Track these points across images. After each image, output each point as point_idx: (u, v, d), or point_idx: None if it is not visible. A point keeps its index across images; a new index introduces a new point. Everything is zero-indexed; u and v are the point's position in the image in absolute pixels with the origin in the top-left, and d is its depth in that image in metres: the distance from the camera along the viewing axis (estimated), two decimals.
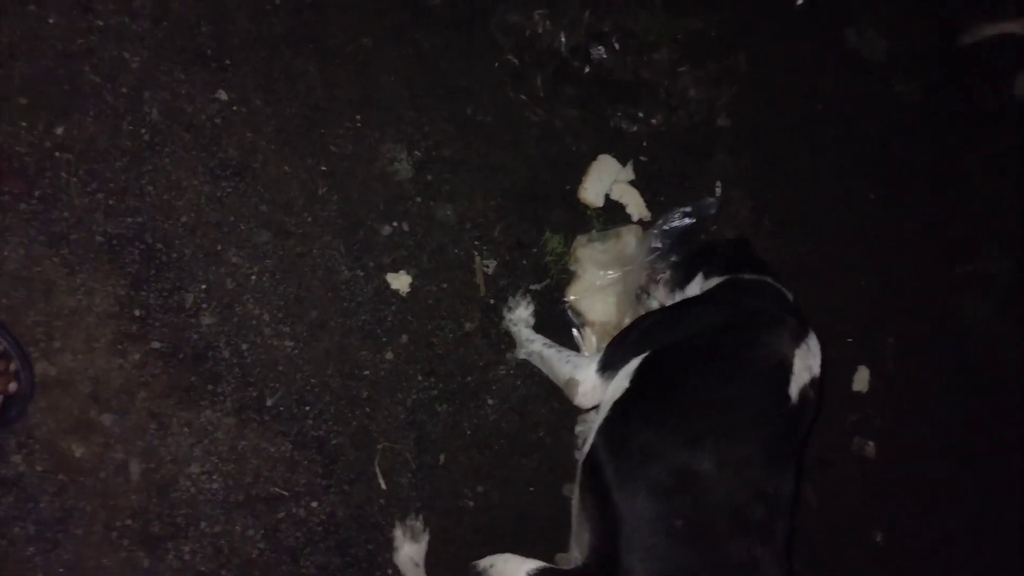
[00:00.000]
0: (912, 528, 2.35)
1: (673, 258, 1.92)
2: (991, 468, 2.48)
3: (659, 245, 1.92)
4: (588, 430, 1.93)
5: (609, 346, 1.62)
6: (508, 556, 1.38)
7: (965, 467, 2.42)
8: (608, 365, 1.58)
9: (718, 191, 2.12)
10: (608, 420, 1.45)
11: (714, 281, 1.71)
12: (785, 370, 1.41)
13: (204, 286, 1.61)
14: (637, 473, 1.31)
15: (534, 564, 1.33)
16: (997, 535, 2.45)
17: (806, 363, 1.44)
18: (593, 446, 1.43)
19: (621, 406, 1.45)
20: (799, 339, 1.45)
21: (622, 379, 1.50)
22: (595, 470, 1.39)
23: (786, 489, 1.33)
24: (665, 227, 1.93)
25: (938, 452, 2.41)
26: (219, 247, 1.63)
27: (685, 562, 1.24)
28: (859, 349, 2.35)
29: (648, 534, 1.26)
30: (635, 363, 1.49)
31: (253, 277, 1.66)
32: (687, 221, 1.94)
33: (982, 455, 2.46)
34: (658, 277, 1.91)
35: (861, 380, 2.34)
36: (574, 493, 1.51)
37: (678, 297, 1.83)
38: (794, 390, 1.40)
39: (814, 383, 1.46)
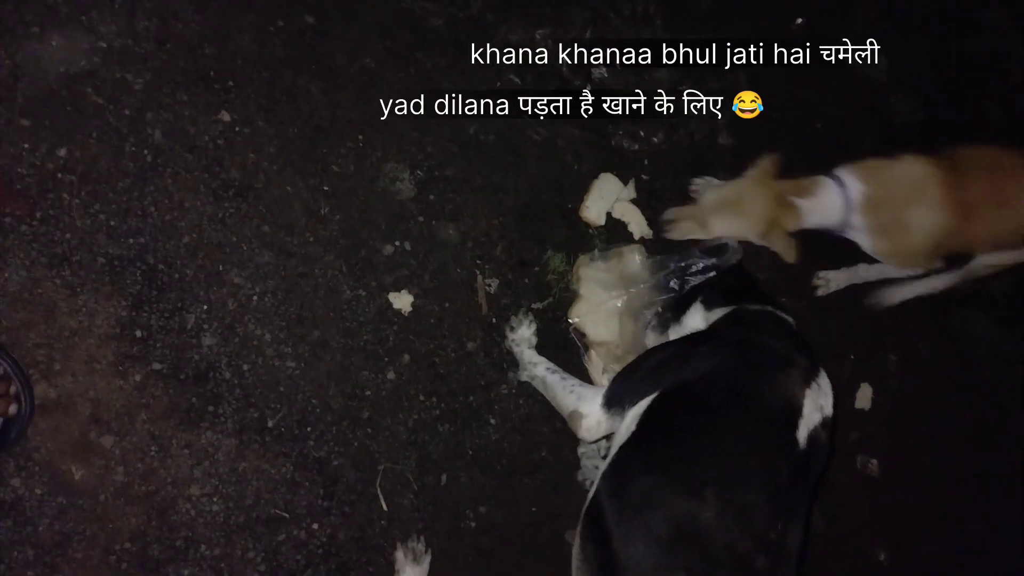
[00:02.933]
0: (916, 546, 2.33)
1: (675, 293, 1.89)
2: (995, 486, 2.46)
3: (673, 285, 1.88)
4: (593, 453, 1.93)
5: (615, 381, 1.59)
6: None
7: (969, 485, 2.41)
8: (613, 400, 1.56)
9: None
10: (613, 465, 1.42)
11: (717, 313, 1.68)
12: (794, 413, 1.37)
13: (206, 307, 1.61)
14: (638, 521, 1.28)
15: None
16: (1001, 553, 2.43)
17: (816, 403, 1.41)
18: (596, 491, 1.40)
19: (626, 451, 1.42)
20: (809, 379, 1.42)
21: (630, 422, 1.47)
22: (597, 516, 1.36)
23: (791, 538, 1.30)
24: (687, 270, 1.89)
25: (942, 470, 2.40)
26: (221, 268, 1.63)
27: None
28: (861, 366, 2.34)
29: None
30: (643, 405, 1.46)
31: (255, 297, 1.65)
32: (711, 274, 1.90)
33: (986, 473, 2.45)
34: (649, 319, 1.90)
35: (864, 398, 2.33)
36: (575, 544, 1.49)
37: (673, 331, 1.81)
38: (803, 433, 1.36)
39: (825, 424, 1.43)
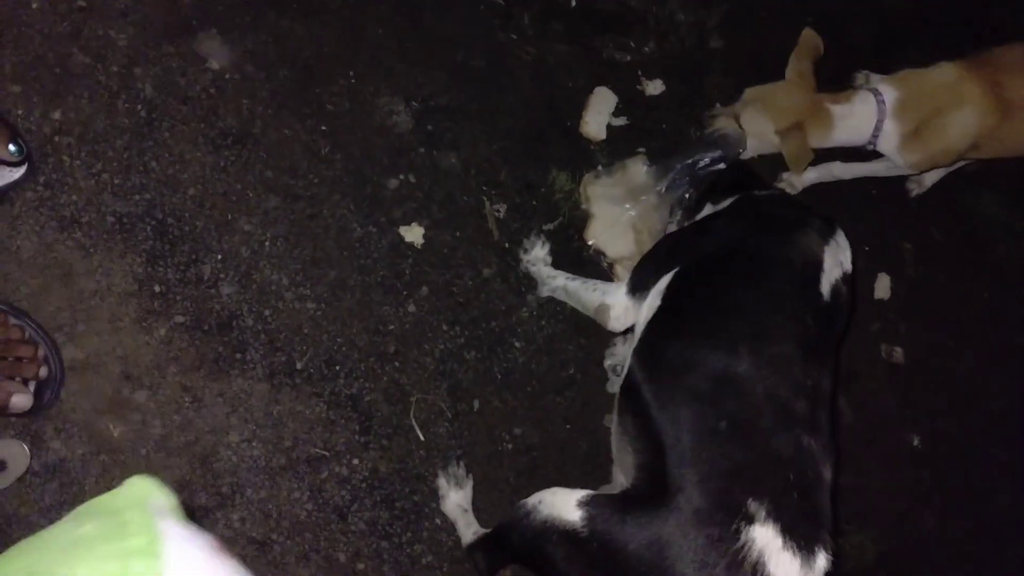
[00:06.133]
0: (948, 428, 2.35)
1: (688, 194, 1.90)
2: (1016, 362, 2.47)
3: (684, 184, 1.88)
4: (619, 362, 1.94)
5: (636, 267, 1.62)
6: (555, 490, 1.37)
7: (994, 363, 2.42)
8: (638, 286, 1.58)
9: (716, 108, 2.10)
10: (642, 340, 1.45)
11: (726, 202, 1.70)
12: (815, 268, 1.40)
13: (220, 256, 1.60)
14: (675, 385, 1.31)
15: (582, 492, 1.32)
16: None
17: (836, 259, 1.44)
18: (630, 369, 1.42)
19: (654, 324, 1.44)
20: (827, 236, 1.45)
21: (654, 298, 1.50)
22: (633, 392, 1.39)
23: (825, 383, 1.33)
24: (694, 167, 1.88)
25: (966, 351, 2.41)
26: (230, 216, 1.62)
27: (734, 461, 1.23)
28: (877, 257, 2.34)
29: (693, 441, 1.25)
30: (665, 280, 1.49)
31: (267, 243, 1.65)
32: (720, 167, 1.88)
33: (1009, 349, 2.46)
34: (666, 223, 1.90)
35: (882, 287, 2.34)
36: (613, 422, 1.51)
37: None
38: (826, 287, 1.39)
39: (846, 278, 1.45)
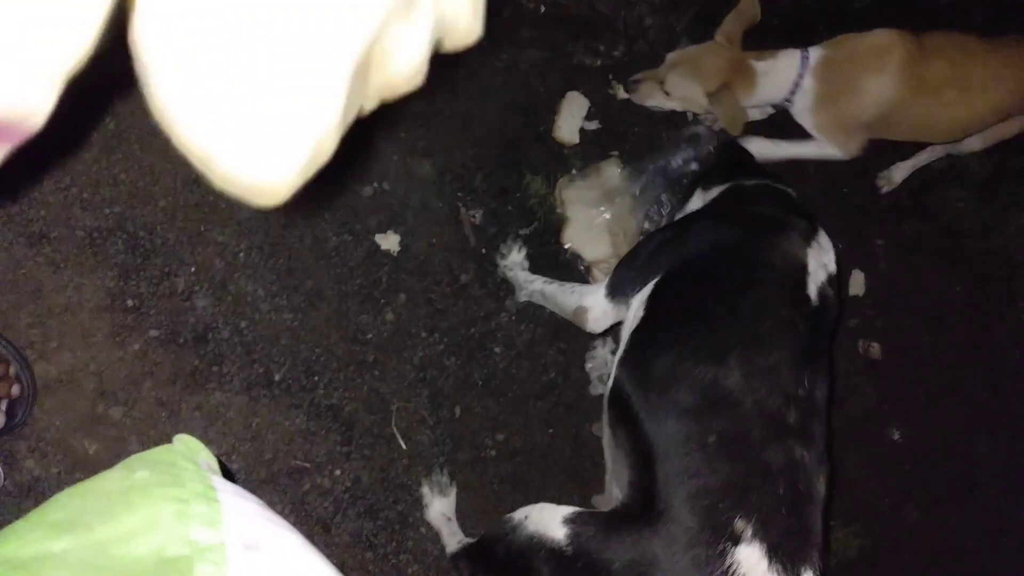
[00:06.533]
0: (928, 421, 2.37)
1: (663, 197, 1.91)
2: (992, 352, 2.51)
3: (655, 184, 1.89)
4: (600, 365, 1.94)
5: (616, 270, 1.61)
6: (542, 505, 1.35)
7: (972, 353, 2.45)
8: (617, 288, 1.57)
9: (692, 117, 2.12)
10: (628, 351, 1.43)
11: (714, 192, 1.69)
12: (800, 272, 1.39)
13: (193, 268, 1.59)
14: (663, 398, 1.29)
15: (569, 510, 1.30)
16: (1007, 415, 2.48)
17: (820, 261, 1.43)
18: (616, 380, 1.41)
19: (639, 335, 1.43)
20: (809, 238, 1.45)
21: (637, 307, 1.48)
22: (620, 404, 1.37)
23: (819, 391, 1.32)
24: (666, 169, 1.90)
25: (943, 344, 2.43)
26: (202, 228, 1.61)
27: (724, 475, 1.21)
28: (850, 254, 2.36)
29: (682, 456, 1.24)
30: (648, 289, 1.48)
31: (241, 254, 1.64)
32: (693, 167, 1.90)
33: (982, 341, 2.49)
34: (649, 218, 1.91)
35: (857, 284, 2.36)
36: (604, 432, 1.50)
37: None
38: (812, 290, 1.39)
39: (831, 280, 1.45)
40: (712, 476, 1.21)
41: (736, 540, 1.16)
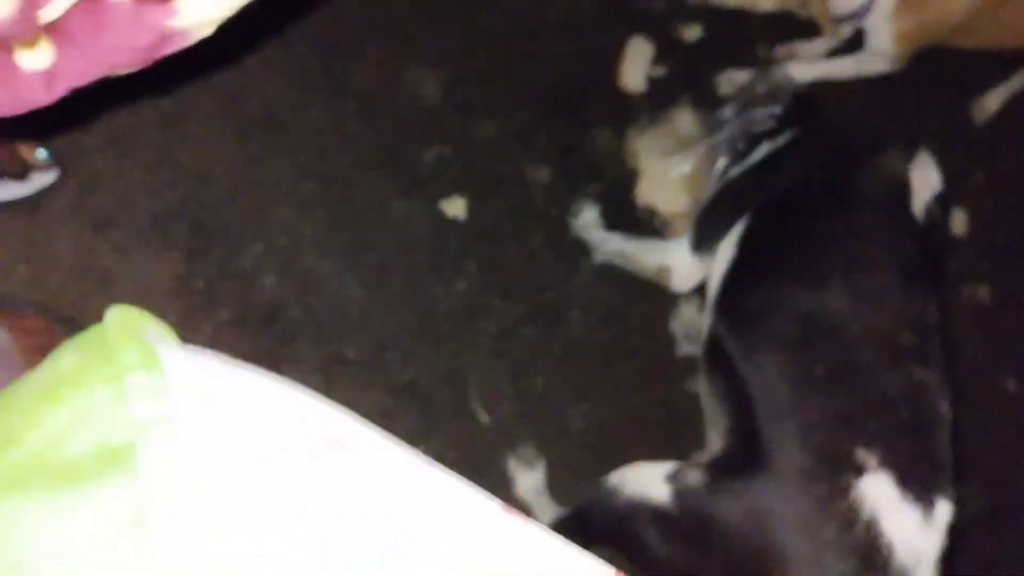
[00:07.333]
0: None
1: (741, 142, 1.78)
2: None
3: (733, 128, 1.75)
4: (687, 325, 1.83)
5: (698, 222, 1.51)
6: (639, 465, 1.27)
7: None
8: (702, 240, 1.47)
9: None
10: (721, 293, 1.34)
11: (797, 129, 1.58)
12: (903, 188, 1.28)
13: (259, 247, 1.54)
14: (761, 333, 1.20)
15: (668, 465, 1.22)
16: None
17: (924, 178, 1.32)
18: (710, 326, 1.32)
19: (732, 275, 1.33)
20: (910, 155, 1.33)
21: (727, 249, 1.39)
22: (716, 348, 1.28)
23: (931, 311, 1.20)
24: (745, 111, 1.75)
25: None
26: (265, 206, 1.56)
27: (837, 406, 1.11)
28: (948, 192, 2.18)
29: (787, 391, 1.14)
30: (737, 229, 1.38)
31: (306, 230, 1.58)
32: (772, 111, 1.75)
33: None
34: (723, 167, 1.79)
35: (958, 223, 2.18)
36: (701, 384, 1.41)
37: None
38: (918, 207, 1.28)
39: (938, 199, 1.33)
40: (823, 409, 1.11)
41: (859, 471, 1.05)
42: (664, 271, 1.55)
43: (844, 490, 1.04)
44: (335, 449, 0.45)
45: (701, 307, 1.64)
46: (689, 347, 1.78)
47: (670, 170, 1.81)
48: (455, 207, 1.70)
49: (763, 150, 1.63)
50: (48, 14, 0.47)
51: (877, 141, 1.35)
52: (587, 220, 1.76)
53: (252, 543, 0.39)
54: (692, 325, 1.80)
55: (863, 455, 1.06)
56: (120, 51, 0.46)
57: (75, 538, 0.33)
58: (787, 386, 1.14)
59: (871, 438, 1.07)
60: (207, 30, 0.44)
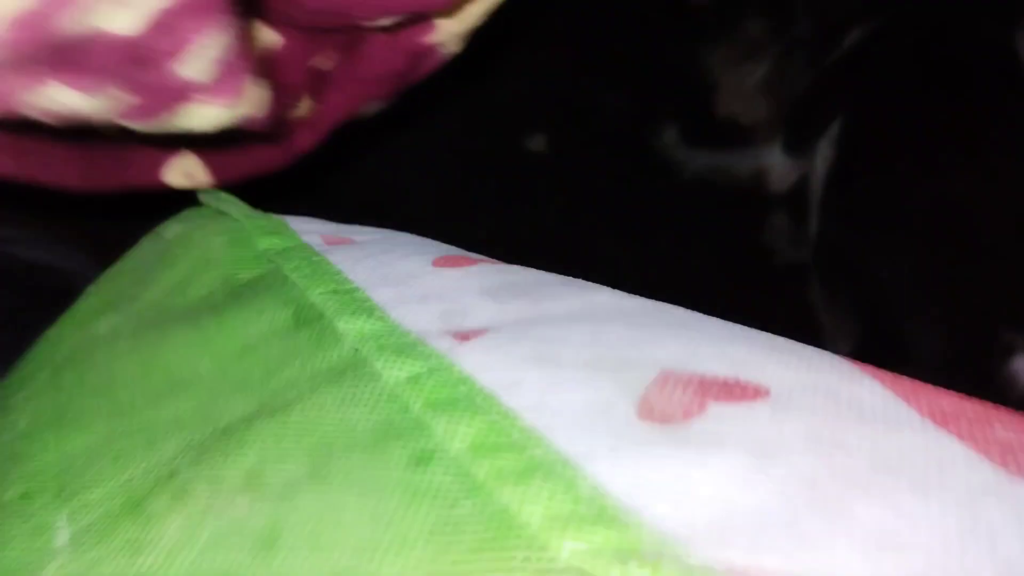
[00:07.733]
0: None
1: (823, 41, 1.73)
2: None
3: (813, 26, 1.71)
4: (780, 235, 1.79)
5: (788, 120, 1.47)
6: None
7: None
8: (794, 139, 1.44)
9: None
10: (825, 197, 1.31)
11: (873, 20, 1.52)
12: (1010, 60, 1.22)
13: None
14: (881, 225, 1.16)
15: None
16: None
17: None
18: (818, 235, 1.29)
19: (839, 173, 1.30)
20: (1015, 19, 1.26)
21: (825, 150, 1.35)
22: (832, 255, 1.25)
23: None
24: (820, 6, 1.71)
25: None
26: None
27: (975, 291, 1.08)
28: None
29: (915, 281, 1.11)
30: (834, 128, 1.34)
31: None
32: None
33: None
34: None
35: None
36: (814, 289, 1.39)
37: None
38: None
39: None
40: (959, 296, 1.08)
41: (1008, 353, 1.02)
42: (756, 175, 1.52)
43: (991, 374, 1.02)
44: None
45: (794, 213, 1.60)
46: (783, 256, 1.75)
47: (750, 75, 1.76)
48: (536, 142, 1.68)
49: (852, 37, 1.57)
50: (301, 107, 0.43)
51: (970, 15, 1.28)
52: (671, 138, 1.73)
53: None
54: (785, 235, 1.77)
55: (1010, 336, 1.03)
56: (375, 82, 0.42)
57: (230, 348, 0.28)
58: (916, 276, 1.11)
59: (1016, 318, 1.04)
60: (456, 45, 0.41)
